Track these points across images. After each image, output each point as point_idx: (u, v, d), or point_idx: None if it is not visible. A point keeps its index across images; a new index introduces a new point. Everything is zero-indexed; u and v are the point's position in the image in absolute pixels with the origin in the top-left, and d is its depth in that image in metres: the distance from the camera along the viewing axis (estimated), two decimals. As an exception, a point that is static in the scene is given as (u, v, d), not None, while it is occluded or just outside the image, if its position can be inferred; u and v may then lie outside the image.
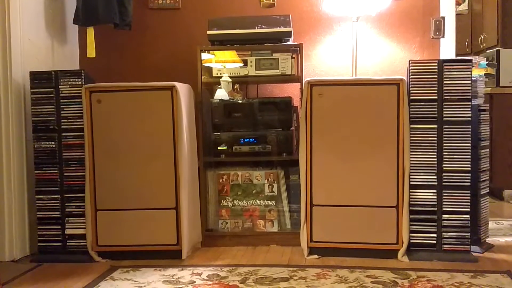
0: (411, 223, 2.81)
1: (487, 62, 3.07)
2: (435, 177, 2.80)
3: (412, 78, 2.81)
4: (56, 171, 2.95)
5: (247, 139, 3.23)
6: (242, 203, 3.22)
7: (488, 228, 3.07)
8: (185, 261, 2.86)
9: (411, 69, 2.82)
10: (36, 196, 2.97)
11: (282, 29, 3.19)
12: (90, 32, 3.38)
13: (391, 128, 2.81)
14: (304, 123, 2.87)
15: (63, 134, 2.94)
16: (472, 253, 2.83)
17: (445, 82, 2.78)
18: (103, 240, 2.93)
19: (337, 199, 2.87)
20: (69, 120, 2.94)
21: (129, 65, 3.72)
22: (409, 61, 2.85)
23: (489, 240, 3.10)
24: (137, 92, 2.91)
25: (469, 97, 2.78)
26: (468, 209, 2.79)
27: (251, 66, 3.31)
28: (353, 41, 3.39)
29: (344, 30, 3.58)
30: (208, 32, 3.21)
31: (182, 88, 2.94)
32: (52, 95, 2.94)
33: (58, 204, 2.95)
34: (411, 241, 2.82)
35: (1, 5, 2.91)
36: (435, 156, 2.80)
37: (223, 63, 3.35)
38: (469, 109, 2.78)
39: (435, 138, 2.80)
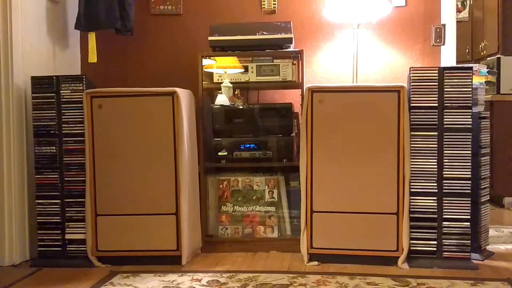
0: (411, 230, 2.81)
1: (488, 69, 3.08)
2: (436, 184, 2.80)
3: (412, 85, 2.82)
4: (56, 176, 2.95)
5: (248, 145, 3.24)
6: (242, 209, 3.22)
7: (488, 236, 3.06)
8: (185, 267, 2.86)
9: (412, 76, 2.82)
10: (37, 201, 2.97)
11: (283, 35, 3.20)
12: (92, 37, 3.39)
13: (392, 135, 2.81)
14: (304, 129, 2.87)
15: (64, 139, 2.94)
16: (473, 260, 2.82)
17: (445, 89, 2.79)
18: (103, 245, 2.92)
19: (338, 206, 2.87)
20: (70, 125, 2.94)
21: (130, 70, 3.73)
22: (410, 68, 2.86)
23: (489, 247, 3.09)
24: (138, 98, 2.92)
25: (470, 104, 2.78)
26: (469, 216, 2.79)
27: (252, 72, 3.32)
28: (354, 48, 3.40)
29: (344, 37, 3.59)
30: (209, 38, 3.22)
31: (183, 94, 2.94)
32: (53, 100, 2.94)
33: (58, 209, 2.95)
34: (411, 248, 2.82)
35: (2, 10, 2.92)
36: (435, 163, 2.80)
37: (224, 69, 3.37)
38: (470, 116, 2.78)
39: (436, 145, 2.80)
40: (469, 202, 2.79)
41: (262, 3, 3.63)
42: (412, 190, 2.81)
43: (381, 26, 3.57)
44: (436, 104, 2.79)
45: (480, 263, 2.86)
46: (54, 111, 2.94)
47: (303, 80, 3.17)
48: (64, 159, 2.95)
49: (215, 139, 3.26)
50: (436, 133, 2.80)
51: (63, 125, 2.94)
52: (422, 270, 2.74)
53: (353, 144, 2.84)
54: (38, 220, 2.97)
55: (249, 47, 3.24)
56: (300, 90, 3.14)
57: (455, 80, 2.78)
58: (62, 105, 2.94)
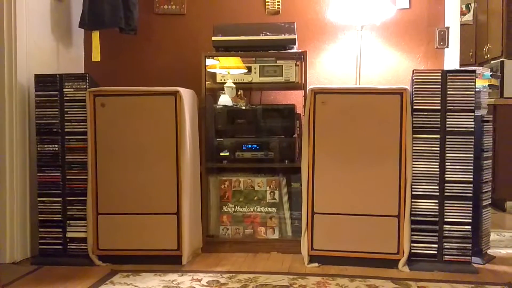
0: (412, 233, 2.81)
1: (491, 73, 3.07)
2: (437, 187, 2.80)
3: (415, 87, 2.81)
4: (58, 174, 2.96)
5: (250, 146, 3.24)
6: (243, 209, 3.22)
7: (489, 240, 3.06)
8: (185, 267, 2.86)
9: (415, 78, 2.82)
10: (38, 199, 2.97)
11: (286, 36, 3.20)
12: (96, 36, 3.39)
13: (394, 138, 2.80)
14: (307, 130, 2.87)
15: (67, 137, 2.95)
16: (473, 264, 2.82)
17: (448, 92, 2.78)
18: (104, 244, 2.93)
19: (339, 208, 2.86)
20: (73, 123, 2.95)
21: (134, 69, 3.74)
22: (413, 71, 2.85)
23: (490, 251, 3.08)
24: (141, 97, 2.92)
25: (473, 107, 2.78)
26: (470, 220, 2.79)
27: (255, 72, 3.32)
28: (357, 50, 3.40)
29: (348, 39, 3.59)
30: (213, 38, 3.22)
31: (186, 94, 2.95)
32: (56, 98, 2.95)
33: (60, 207, 2.96)
34: (412, 251, 2.81)
35: (7, 9, 2.93)
36: (437, 166, 2.79)
37: (227, 69, 3.37)
38: (472, 119, 2.77)
39: (438, 148, 2.79)
40: (471, 205, 2.79)
41: (266, 3, 3.63)
42: (413, 192, 2.81)
43: (384, 28, 3.57)
44: (439, 107, 2.79)
45: (481, 267, 2.85)
46: (57, 109, 2.95)
47: (306, 81, 3.17)
48: (66, 157, 2.95)
49: (217, 139, 3.26)
50: (438, 136, 2.79)
51: (66, 124, 2.95)
52: (423, 273, 2.73)
53: (355, 146, 2.84)
54: (39, 218, 2.97)
55: (253, 48, 3.23)
56: (303, 91, 3.14)
57: (458, 83, 2.78)
58: (65, 104, 2.95)
